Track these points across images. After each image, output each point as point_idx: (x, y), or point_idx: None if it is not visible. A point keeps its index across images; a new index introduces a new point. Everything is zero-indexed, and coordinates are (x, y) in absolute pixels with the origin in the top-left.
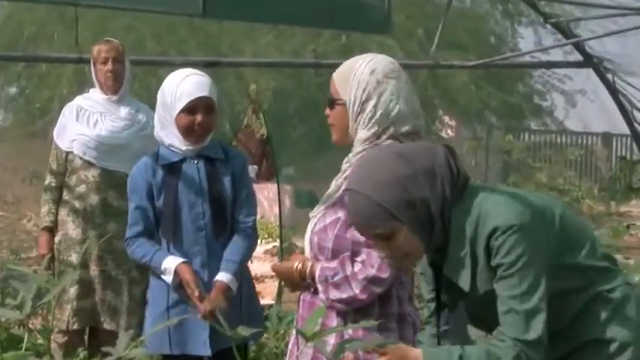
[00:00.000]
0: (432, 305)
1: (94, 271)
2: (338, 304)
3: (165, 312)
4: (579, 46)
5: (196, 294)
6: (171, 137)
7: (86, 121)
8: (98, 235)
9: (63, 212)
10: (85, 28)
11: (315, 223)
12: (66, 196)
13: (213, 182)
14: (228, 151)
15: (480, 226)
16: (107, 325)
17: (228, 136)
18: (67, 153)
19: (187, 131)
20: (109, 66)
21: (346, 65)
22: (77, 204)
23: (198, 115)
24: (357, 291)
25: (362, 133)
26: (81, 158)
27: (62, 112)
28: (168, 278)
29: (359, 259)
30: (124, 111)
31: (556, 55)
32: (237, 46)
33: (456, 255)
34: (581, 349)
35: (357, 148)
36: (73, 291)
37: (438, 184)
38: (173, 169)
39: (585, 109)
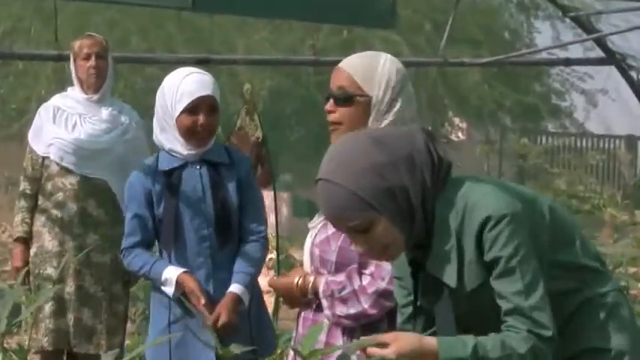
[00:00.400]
0: (408, 311)
1: (70, 287)
2: (345, 320)
3: (167, 328)
4: (601, 42)
5: (202, 302)
6: (172, 141)
7: (64, 123)
8: (76, 248)
9: (38, 222)
10: (65, 23)
11: (316, 235)
12: (42, 204)
13: (218, 189)
14: (233, 155)
15: (468, 217)
16: (79, 349)
17: (220, 139)
18: (44, 158)
19: (190, 133)
20: (92, 62)
21: (366, 59)
22: (54, 213)
23: (200, 116)
24: (366, 305)
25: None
26: (58, 164)
27: (38, 112)
28: (170, 289)
29: (367, 271)
30: (105, 112)
31: (575, 52)
32: (229, 42)
33: (440, 249)
34: (577, 358)
35: None
36: (47, 308)
37: (418, 171)
38: (174, 175)
39: (607, 109)
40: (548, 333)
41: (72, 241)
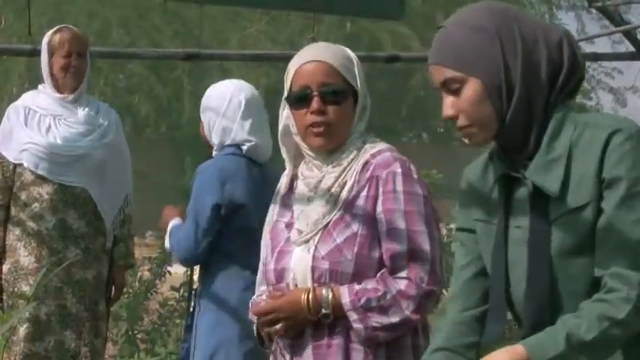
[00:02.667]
0: (466, 274)
1: (50, 307)
2: (382, 333)
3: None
4: (630, 35)
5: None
6: None
7: (37, 125)
8: (56, 263)
9: (12, 236)
10: (40, 15)
11: (316, 247)
12: (15, 216)
13: None
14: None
15: (591, 128)
16: None
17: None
18: (16, 165)
19: None
20: (72, 61)
21: (336, 51)
22: (30, 226)
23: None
24: (408, 312)
25: (359, 126)
26: (32, 172)
27: (6, 114)
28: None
29: (403, 274)
30: (81, 113)
31: (603, 46)
32: (220, 35)
33: (547, 154)
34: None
35: (357, 144)
36: (22, 331)
37: (535, 58)
38: None
39: (638, 109)
40: None
41: (51, 256)
